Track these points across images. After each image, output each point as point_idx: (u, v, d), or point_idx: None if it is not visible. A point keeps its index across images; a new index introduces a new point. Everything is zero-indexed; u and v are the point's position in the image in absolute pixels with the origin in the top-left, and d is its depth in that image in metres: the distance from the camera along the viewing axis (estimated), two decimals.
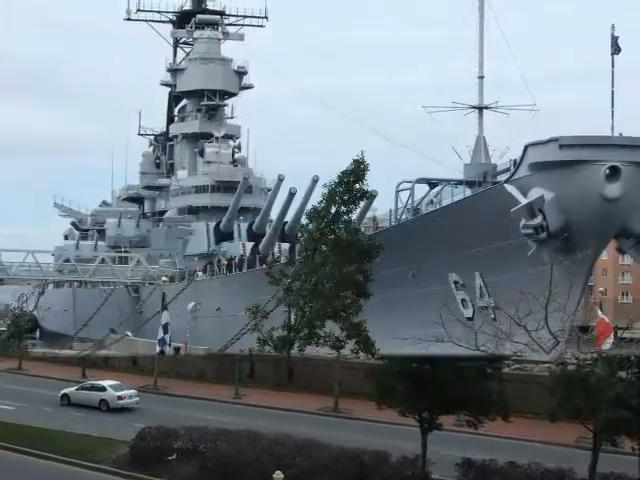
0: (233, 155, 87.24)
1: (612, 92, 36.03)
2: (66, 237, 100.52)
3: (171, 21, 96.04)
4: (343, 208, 24.82)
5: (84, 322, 77.86)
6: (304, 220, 26.79)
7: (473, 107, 48.45)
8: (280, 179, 69.49)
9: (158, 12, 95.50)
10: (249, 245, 73.67)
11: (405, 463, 22.98)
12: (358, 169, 24.65)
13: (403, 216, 45.52)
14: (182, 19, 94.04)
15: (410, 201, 45.26)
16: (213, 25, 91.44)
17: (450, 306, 27.57)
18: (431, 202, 44.87)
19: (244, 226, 77.95)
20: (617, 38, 35.88)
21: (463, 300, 41.17)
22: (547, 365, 26.36)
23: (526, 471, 22.18)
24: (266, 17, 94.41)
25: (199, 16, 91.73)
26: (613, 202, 34.06)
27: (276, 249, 66.19)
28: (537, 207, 34.97)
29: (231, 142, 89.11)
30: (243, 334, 44.21)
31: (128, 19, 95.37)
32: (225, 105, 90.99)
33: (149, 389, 38.45)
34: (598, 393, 19.81)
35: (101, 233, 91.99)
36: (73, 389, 36.72)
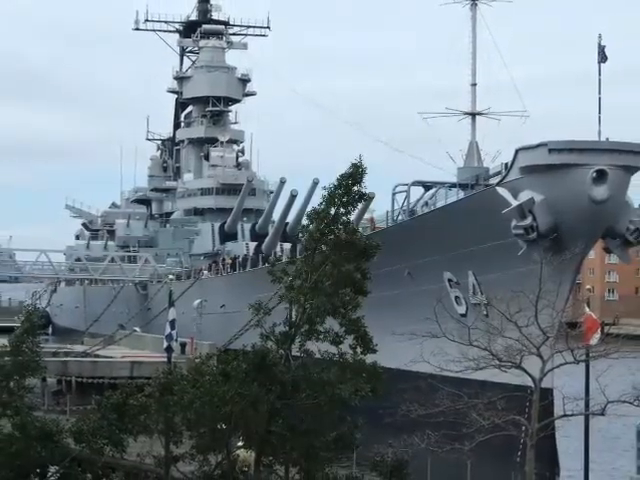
0: (237, 159, 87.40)
1: (599, 99, 36.01)
2: (77, 237, 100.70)
3: (178, 31, 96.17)
4: (342, 209, 24.73)
5: (94, 318, 77.85)
6: (305, 221, 26.71)
7: (466, 113, 48.42)
8: (282, 182, 69.58)
9: (165, 22, 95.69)
10: (252, 245, 73.69)
11: None
12: (356, 172, 24.57)
13: (399, 217, 45.52)
14: (188, 29, 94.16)
15: (406, 203, 45.24)
16: (218, 35, 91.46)
17: (444, 303, 27.50)
18: (426, 204, 44.84)
19: (247, 227, 77.98)
20: (604, 47, 35.84)
21: (457, 297, 41.17)
22: None
23: None
24: (268, 27, 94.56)
25: (204, 26, 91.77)
26: (600, 204, 34.05)
27: (278, 248, 66.20)
28: (527, 208, 34.97)
29: (235, 146, 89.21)
30: (246, 330, 44.22)
31: (137, 29, 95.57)
32: (229, 111, 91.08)
33: None
34: None
35: (111, 233, 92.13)
36: None
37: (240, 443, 26.14)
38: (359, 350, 24.63)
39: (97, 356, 56.05)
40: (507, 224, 35.47)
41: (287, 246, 62.41)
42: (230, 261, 69.77)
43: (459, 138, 48.39)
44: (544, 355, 23.52)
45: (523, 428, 24.38)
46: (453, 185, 43.71)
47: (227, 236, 78.31)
